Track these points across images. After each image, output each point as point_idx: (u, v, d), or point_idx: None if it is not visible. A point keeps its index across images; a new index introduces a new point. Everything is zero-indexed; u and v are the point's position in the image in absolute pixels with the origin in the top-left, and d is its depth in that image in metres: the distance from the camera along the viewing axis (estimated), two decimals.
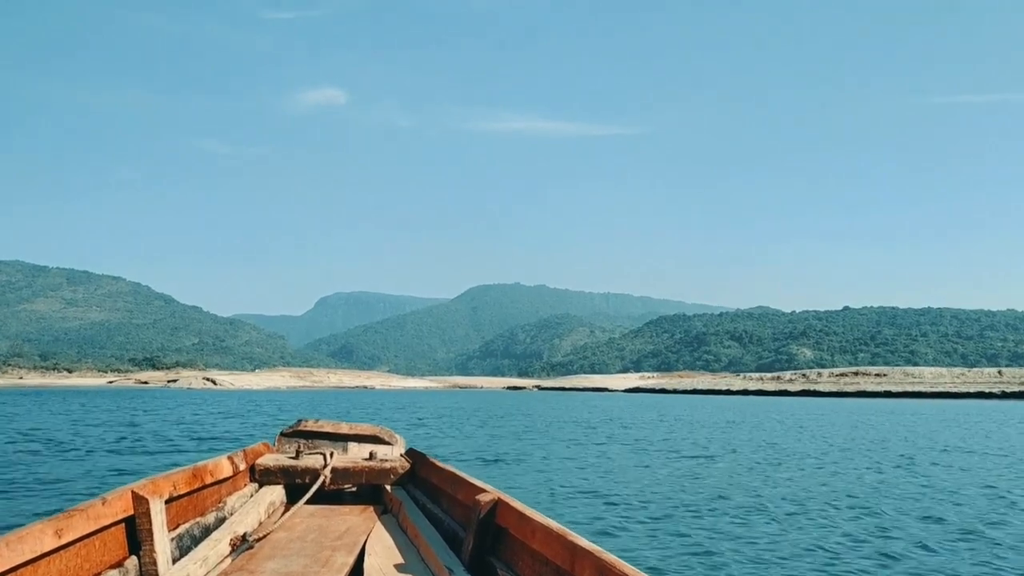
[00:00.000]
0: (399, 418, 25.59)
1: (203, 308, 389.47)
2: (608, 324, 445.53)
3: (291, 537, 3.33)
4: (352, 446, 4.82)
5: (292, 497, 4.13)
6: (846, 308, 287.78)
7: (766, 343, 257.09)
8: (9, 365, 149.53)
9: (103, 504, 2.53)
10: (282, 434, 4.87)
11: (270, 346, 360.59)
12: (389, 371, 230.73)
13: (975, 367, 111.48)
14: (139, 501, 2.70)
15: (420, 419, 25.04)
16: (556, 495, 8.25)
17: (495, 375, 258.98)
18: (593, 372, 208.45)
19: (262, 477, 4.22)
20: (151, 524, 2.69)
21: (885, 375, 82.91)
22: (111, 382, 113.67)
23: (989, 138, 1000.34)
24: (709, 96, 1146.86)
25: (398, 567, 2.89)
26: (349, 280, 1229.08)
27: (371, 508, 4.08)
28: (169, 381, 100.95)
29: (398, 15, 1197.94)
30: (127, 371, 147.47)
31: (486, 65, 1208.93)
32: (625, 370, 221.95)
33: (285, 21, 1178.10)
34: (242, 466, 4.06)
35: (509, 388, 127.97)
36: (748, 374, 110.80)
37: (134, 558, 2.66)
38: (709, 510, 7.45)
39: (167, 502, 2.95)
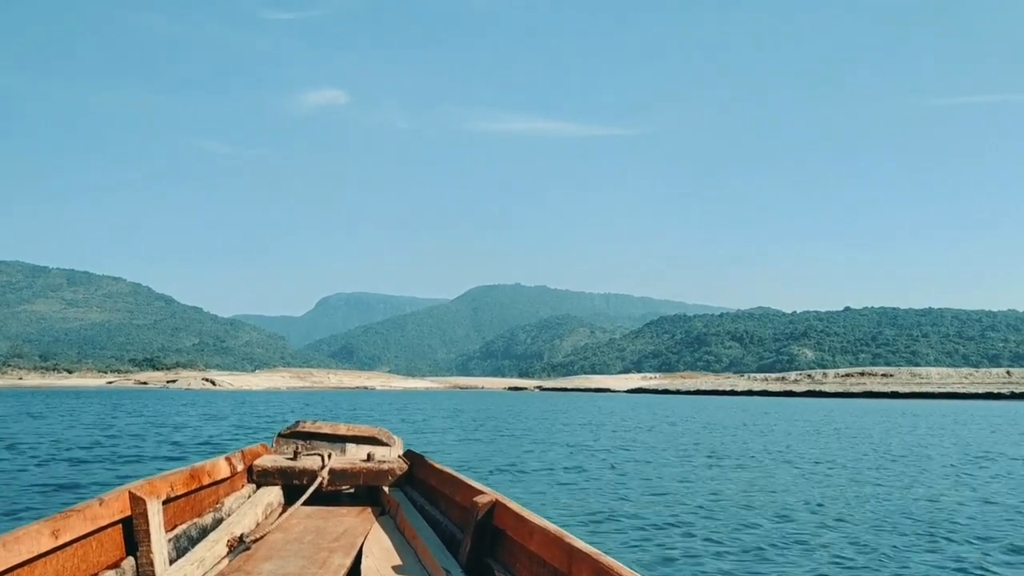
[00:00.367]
0: (399, 420, 24.80)
1: (203, 309, 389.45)
2: (608, 325, 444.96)
3: (288, 538, 3.33)
4: (350, 447, 4.81)
5: (290, 498, 4.14)
6: (847, 308, 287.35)
7: (767, 343, 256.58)
8: (9, 366, 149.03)
9: (100, 505, 2.53)
10: (280, 435, 4.87)
11: (271, 347, 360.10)
12: (390, 371, 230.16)
13: (977, 368, 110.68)
14: (136, 502, 2.69)
15: (422, 420, 24.34)
16: (605, 519, 6.72)
17: (496, 376, 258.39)
18: (594, 373, 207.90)
19: (260, 478, 4.22)
20: (148, 525, 2.69)
21: (892, 375, 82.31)
22: (110, 383, 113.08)
23: (989, 139, 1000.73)
24: (709, 96, 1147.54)
25: (396, 569, 2.88)
26: (350, 280, 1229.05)
27: (369, 509, 4.06)
28: (168, 382, 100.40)
29: (398, 15, 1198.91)
30: (127, 372, 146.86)
31: (486, 65, 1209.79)
32: (626, 371, 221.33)
33: (285, 21, 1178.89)
34: (240, 467, 4.06)
35: (510, 389, 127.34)
36: (752, 375, 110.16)
37: (131, 559, 2.66)
38: (808, 539, 6.14)
39: (164, 503, 2.95)
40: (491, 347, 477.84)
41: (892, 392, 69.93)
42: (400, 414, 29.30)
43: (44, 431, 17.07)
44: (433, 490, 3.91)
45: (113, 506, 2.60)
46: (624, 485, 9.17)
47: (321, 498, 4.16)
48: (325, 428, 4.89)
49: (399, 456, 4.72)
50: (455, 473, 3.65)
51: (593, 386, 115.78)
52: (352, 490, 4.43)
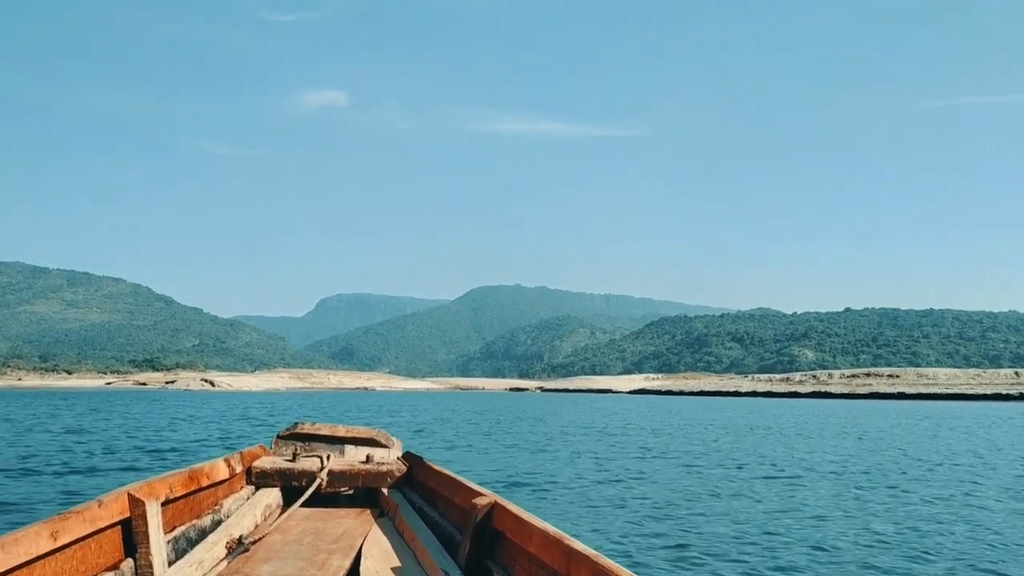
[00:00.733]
0: (400, 422, 24.48)
1: (204, 309, 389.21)
2: (609, 325, 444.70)
3: (287, 540, 3.33)
4: (349, 449, 4.80)
5: (288, 500, 4.13)
6: (847, 309, 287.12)
7: (767, 344, 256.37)
8: (8, 367, 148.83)
9: (99, 506, 2.53)
10: (279, 436, 4.85)
11: (271, 347, 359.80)
12: (390, 372, 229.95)
13: (977, 368, 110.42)
14: (135, 503, 2.70)
15: (425, 423, 23.96)
16: (647, 546, 5.79)
17: (496, 376, 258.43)
18: (594, 373, 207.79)
19: (258, 480, 4.21)
20: (147, 526, 2.69)
21: (898, 376, 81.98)
22: (109, 383, 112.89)
23: (989, 140, 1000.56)
24: (710, 97, 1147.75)
25: (394, 570, 2.88)
26: (350, 281, 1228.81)
27: (368, 511, 4.05)
28: (167, 383, 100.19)
29: (398, 16, 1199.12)
30: (126, 373, 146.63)
31: (486, 66, 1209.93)
32: (626, 371, 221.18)
33: (286, 23, 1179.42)
34: (238, 468, 4.05)
35: (512, 390, 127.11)
36: (756, 375, 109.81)
37: (130, 560, 2.65)
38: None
39: (163, 504, 2.95)
40: (491, 348, 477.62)
41: (899, 393, 69.55)
42: (401, 416, 28.94)
43: (27, 436, 15.98)
44: (432, 492, 3.90)
45: (112, 508, 2.60)
46: (683, 506, 7.75)
47: (320, 500, 4.16)
48: (324, 430, 4.88)
49: (398, 458, 4.70)
50: (454, 475, 3.65)
51: (595, 387, 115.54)
52: (351, 492, 4.42)
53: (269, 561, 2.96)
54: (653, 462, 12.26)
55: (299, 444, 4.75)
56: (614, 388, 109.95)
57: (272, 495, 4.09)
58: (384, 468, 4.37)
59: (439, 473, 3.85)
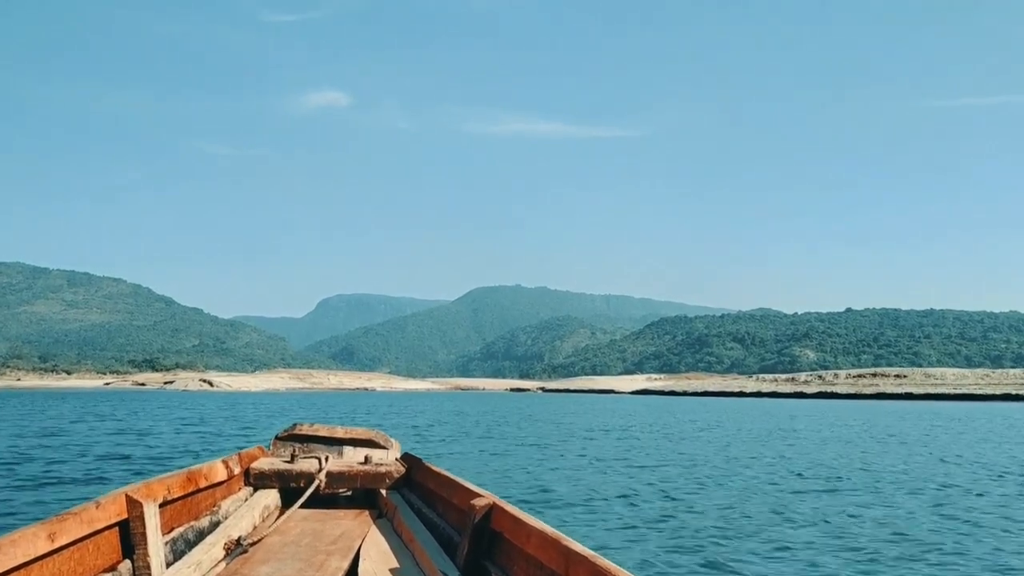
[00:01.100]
0: (401, 425, 24.07)
1: (204, 310, 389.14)
2: (609, 326, 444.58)
3: (285, 541, 3.32)
4: (347, 450, 4.78)
5: (287, 501, 4.13)
6: (848, 310, 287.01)
7: (768, 344, 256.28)
8: (8, 367, 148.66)
9: (97, 508, 2.52)
10: (277, 438, 4.83)
11: (271, 348, 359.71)
12: (390, 373, 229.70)
13: (982, 369, 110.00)
14: (133, 505, 2.69)
15: (426, 426, 23.53)
16: None
17: (496, 377, 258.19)
18: (595, 374, 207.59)
19: (257, 481, 4.20)
20: (145, 528, 2.68)
21: (905, 376, 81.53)
22: (108, 384, 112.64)
23: (990, 140, 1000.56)
24: (710, 98, 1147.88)
25: (393, 572, 2.88)
26: (350, 282, 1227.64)
27: (366, 512, 4.06)
28: (165, 383, 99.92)
29: (398, 17, 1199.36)
30: (126, 373, 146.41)
31: (487, 67, 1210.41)
32: (627, 372, 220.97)
33: (286, 23, 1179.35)
34: (237, 470, 4.04)
35: (513, 390, 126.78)
36: (761, 376, 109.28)
37: (128, 562, 2.65)
38: None
39: (161, 506, 2.94)
40: (492, 348, 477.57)
41: (906, 393, 69.05)
42: (401, 417, 28.62)
43: None
44: (431, 493, 3.89)
45: (110, 509, 2.59)
46: (739, 529, 6.58)
47: (318, 501, 4.15)
48: (322, 431, 4.86)
49: (396, 459, 4.70)
50: (453, 476, 3.65)
51: (597, 387, 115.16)
52: (349, 493, 4.41)
53: (267, 562, 2.96)
54: (687, 473, 10.71)
55: (297, 445, 4.72)
56: (616, 389, 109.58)
57: (270, 496, 4.09)
58: (383, 469, 4.37)
59: (438, 474, 3.84)
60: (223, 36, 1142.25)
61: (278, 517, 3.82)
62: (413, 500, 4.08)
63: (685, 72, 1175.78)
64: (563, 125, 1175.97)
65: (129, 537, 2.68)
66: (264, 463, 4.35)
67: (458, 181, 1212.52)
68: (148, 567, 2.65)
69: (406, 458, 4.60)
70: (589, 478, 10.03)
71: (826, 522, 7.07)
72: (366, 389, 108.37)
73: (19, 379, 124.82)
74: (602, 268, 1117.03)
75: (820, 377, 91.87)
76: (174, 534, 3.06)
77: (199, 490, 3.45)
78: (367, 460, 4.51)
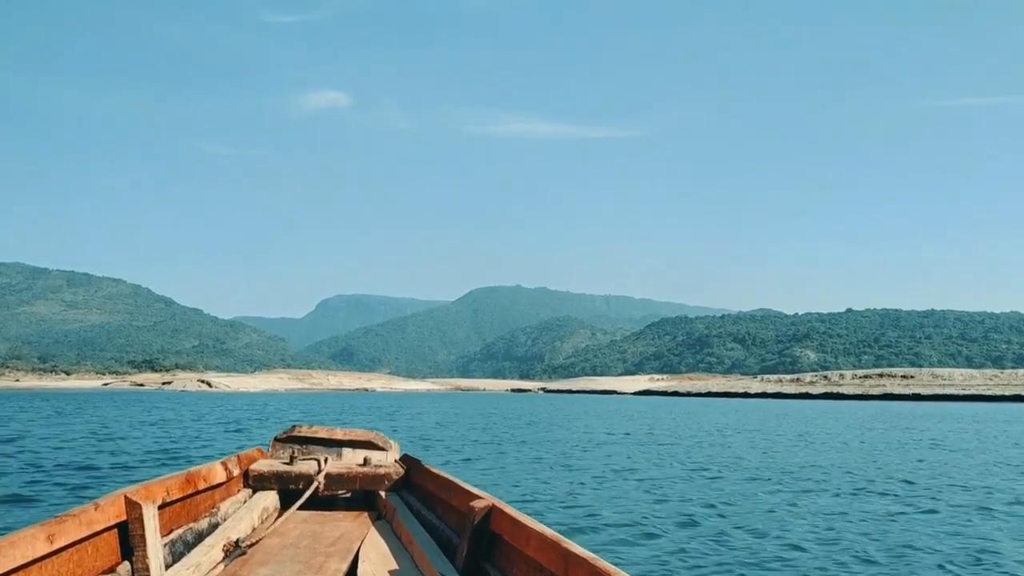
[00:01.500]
0: (399, 429, 23.64)
1: (204, 310, 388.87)
2: (609, 326, 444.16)
3: (284, 543, 3.32)
4: (346, 451, 4.77)
5: (286, 503, 4.13)
6: (849, 310, 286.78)
7: (769, 345, 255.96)
8: (7, 367, 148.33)
9: (96, 509, 2.52)
10: (276, 439, 4.80)
11: (271, 348, 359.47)
12: (390, 373, 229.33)
13: (987, 369, 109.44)
14: (132, 506, 2.69)
15: (425, 437, 23.04)
16: None
17: (496, 377, 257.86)
18: (595, 374, 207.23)
19: (256, 483, 4.19)
20: (144, 530, 2.68)
21: (912, 377, 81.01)
22: (106, 384, 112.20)
23: (990, 140, 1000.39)
24: (710, 98, 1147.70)
25: (392, 573, 2.88)
26: (350, 282, 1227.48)
27: (365, 514, 4.06)
28: (164, 383, 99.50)
29: (399, 18, 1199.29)
30: (125, 373, 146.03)
31: (487, 67, 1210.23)
32: (627, 372, 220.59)
33: (286, 24, 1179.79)
34: (236, 471, 4.03)
35: (514, 391, 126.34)
36: (766, 376, 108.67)
37: (127, 564, 2.65)
38: None
39: (160, 507, 2.94)
40: (492, 349, 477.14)
41: (914, 394, 68.45)
42: (401, 419, 28.18)
43: None
44: (430, 495, 3.88)
45: (109, 511, 2.59)
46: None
47: (317, 503, 4.14)
48: (321, 432, 4.84)
49: (396, 460, 4.67)
50: (452, 478, 3.64)
51: (599, 388, 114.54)
52: (348, 495, 4.39)
53: (266, 564, 2.96)
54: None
55: (296, 447, 4.70)
56: (618, 389, 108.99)
57: (269, 498, 4.08)
58: (382, 471, 4.35)
59: (437, 476, 3.83)
60: (223, 36, 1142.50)
61: (277, 519, 3.81)
62: (412, 502, 4.07)
63: (685, 72, 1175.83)
64: (563, 125, 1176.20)
65: (128, 539, 2.68)
66: (263, 465, 4.33)
67: (458, 181, 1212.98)
68: (147, 569, 2.65)
69: (405, 460, 4.59)
70: (635, 498, 8.36)
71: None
72: (366, 390, 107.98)
73: (17, 380, 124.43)
74: (602, 268, 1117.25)
75: (826, 377, 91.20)
76: (173, 536, 3.06)
77: (198, 492, 3.44)
78: (366, 462, 4.48)
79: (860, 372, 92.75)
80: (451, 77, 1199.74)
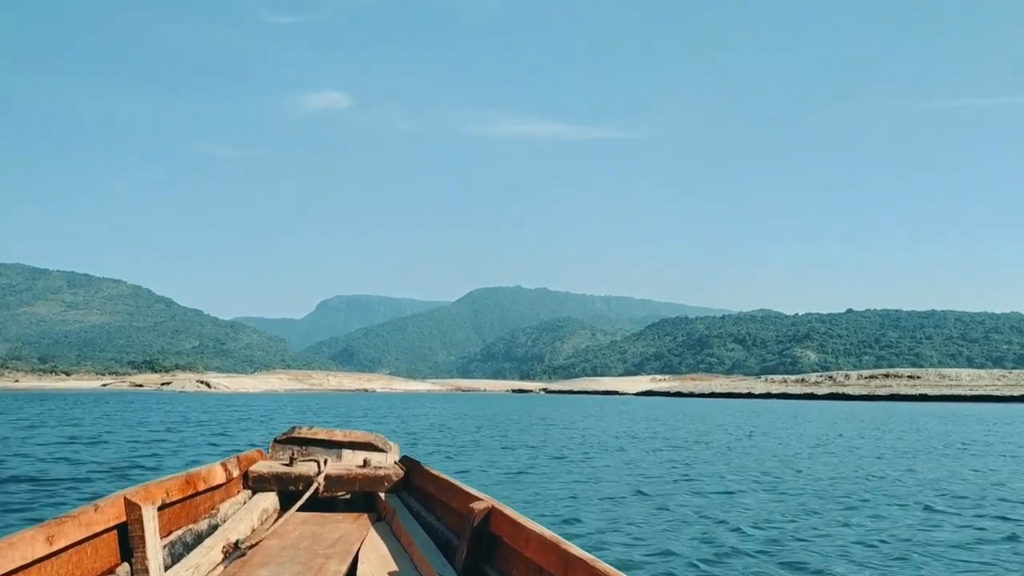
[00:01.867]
0: (399, 433, 23.35)
1: (204, 311, 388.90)
2: (609, 327, 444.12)
3: (284, 544, 3.32)
4: (346, 453, 4.76)
5: (285, 504, 4.12)
6: (849, 311, 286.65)
7: (769, 345, 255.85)
8: (7, 368, 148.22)
9: (95, 510, 2.52)
10: (276, 441, 4.79)
11: (271, 349, 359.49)
12: (390, 374, 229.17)
13: (995, 370, 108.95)
14: (131, 508, 2.68)
15: (437, 432, 22.58)
16: None
17: (496, 378, 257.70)
18: (595, 375, 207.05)
19: (255, 484, 4.18)
20: (143, 531, 2.68)
21: (919, 377, 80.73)
22: (105, 385, 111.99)
23: (991, 141, 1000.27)
24: (710, 98, 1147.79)
25: (391, 575, 2.88)
26: (350, 283, 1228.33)
27: (365, 516, 4.05)
28: (163, 384, 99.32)
29: (399, 19, 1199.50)
30: (125, 374, 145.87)
31: (487, 68, 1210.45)
32: (627, 373, 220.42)
33: (287, 25, 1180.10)
34: (235, 473, 4.02)
35: (514, 391, 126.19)
36: (770, 377, 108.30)
37: (126, 565, 2.65)
38: None
39: (160, 509, 2.94)
40: (492, 349, 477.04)
41: (921, 395, 68.21)
42: (401, 421, 27.92)
43: None
44: (429, 496, 3.87)
45: (108, 512, 2.59)
46: None
47: (317, 504, 4.13)
48: (321, 434, 4.82)
49: (395, 462, 4.65)
50: (451, 479, 3.63)
51: (601, 388, 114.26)
52: (348, 496, 4.38)
53: (266, 566, 2.96)
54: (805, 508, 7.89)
55: (296, 448, 4.69)
56: (620, 390, 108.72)
57: (269, 499, 4.07)
58: (381, 472, 4.34)
59: (437, 477, 3.83)
60: (223, 37, 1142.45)
61: (276, 520, 3.80)
62: (412, 503, 4.06)
63: (685, 72, 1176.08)
64: (563, 126, 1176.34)
65: (127, 540, 2.68)
66: (263, 466, 4.32)
67: (458, 181, 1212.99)
68: (146, 570, 2.65)
69: (405, 461, 4.57)
70: (708, 531, 6.51)
71: None
72: (366, 390, 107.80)
73: (17, 380, 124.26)
74: (602, 269, 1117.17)
75: (831, 378, 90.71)
76: (172, 537, 3.06)
77: (197, 493, 3.43)
78: (366, 463, 4.47)
79: (865, 372, 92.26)
80: (451, 77, 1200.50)
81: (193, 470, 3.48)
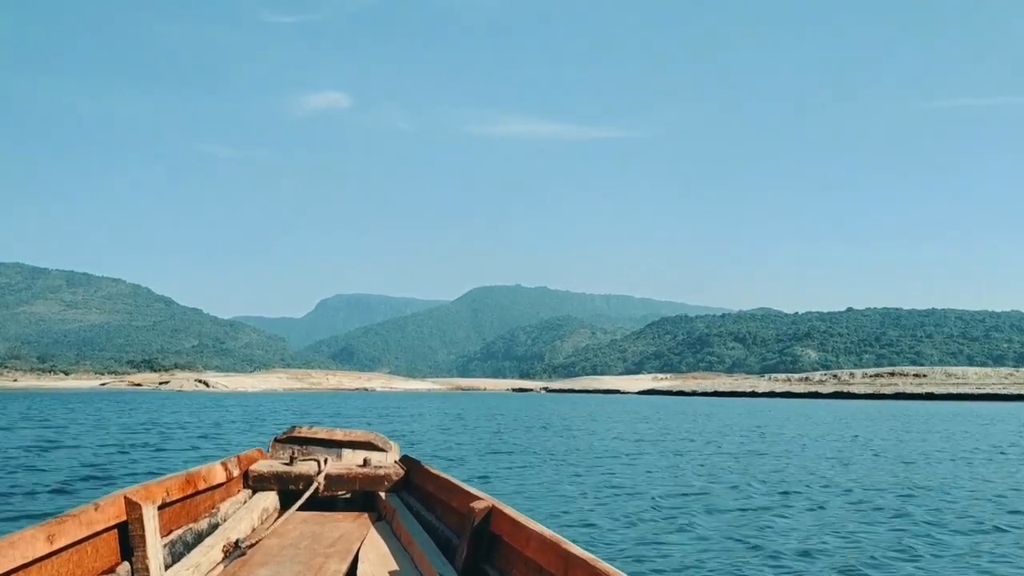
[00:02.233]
0: (401, 434, 22.89)
1: (203, 310, 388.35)
2: (609, 326, 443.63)
3: (284, 544, 3.33)
4: (346, 452, 4.77)
5: (286, 503, 4.12)
6: (849, 309, 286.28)
7: (770, 344, 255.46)
8: (6, 368, 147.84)
9: (96, 510, 2.52)
10: (276, 440, 4.79)
11: (270, 348, 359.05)
12: (390, 373, 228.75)
13: (1001, 368, 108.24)
14: (132, 507, 2.69)
15: (447, 435, 22.04)
16: None
17: (496, 377, 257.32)
18: (595, 374, 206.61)
19: (256, 483, 4.18)
20: (144, 530, 2.68)
21: (925, 376, 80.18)
22: (104, 384, 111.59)
23: (991, 140, 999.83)
24: (710, 98, 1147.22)
25: (392, 574, 2.88)
26: (349, 282, 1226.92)
27: (365, 515, 4.06)
28: (160, 383, 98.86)
29: (399, 19, 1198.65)
30: (124, 373, 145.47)
31: (487, 67, 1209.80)
32: (627, 372, 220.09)
33: (287, 24, 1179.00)
34: (236, 472, 4.03)
35: (515, 390, 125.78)
36: (774, 375, 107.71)
37: (126, 564, 2.65)
38: None
39: (160, 508, 2.94)
40: (491, 348, 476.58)
41: (927, 394, 67.61)
42: (402, 422, 27.50)
43: None
44: (430, 496, 3.88)
45: (108, 511, 2.59)
46: None
47: (317, 503, 4.14)
48: (321, 433, 4.83)
49: (395, 461, 4.65)
50: (452, 479, 3.64)
51: (602, 387, 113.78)
52: (348, 495, 4.38)
53: (266, 565, 2.97)
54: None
55: (296, 448, 4.69)
56: (622, 389, 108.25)
57: (269, 499, 4.08)
58: (381, 472, 4.34)
59: (437, 477, 3.83)
60: (223, 37, 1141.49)
61: (277, 519, 3.81)
62: (412, 503, 4.06)
63: (685, 72, 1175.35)
64: (563, 126, 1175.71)
65: (128, 539, 2.68)
66: (263, 465, 4.32)
67: (458, 181, 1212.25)
68: (147, 569, 2.65)
69: (405, 460, 4.57)
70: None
71: None
72: (365, 389, 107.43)
73: (15, 380, 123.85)
74: (602, 268, 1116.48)
75: (835, 376, 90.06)
76: (173, 536, 3.06)
77: (198, 492, 3.43)
78: (366, 463, 4.47)
79: (871, 371, 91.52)
80: (451, 77, 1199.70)
81: (193, 469, 3.49)
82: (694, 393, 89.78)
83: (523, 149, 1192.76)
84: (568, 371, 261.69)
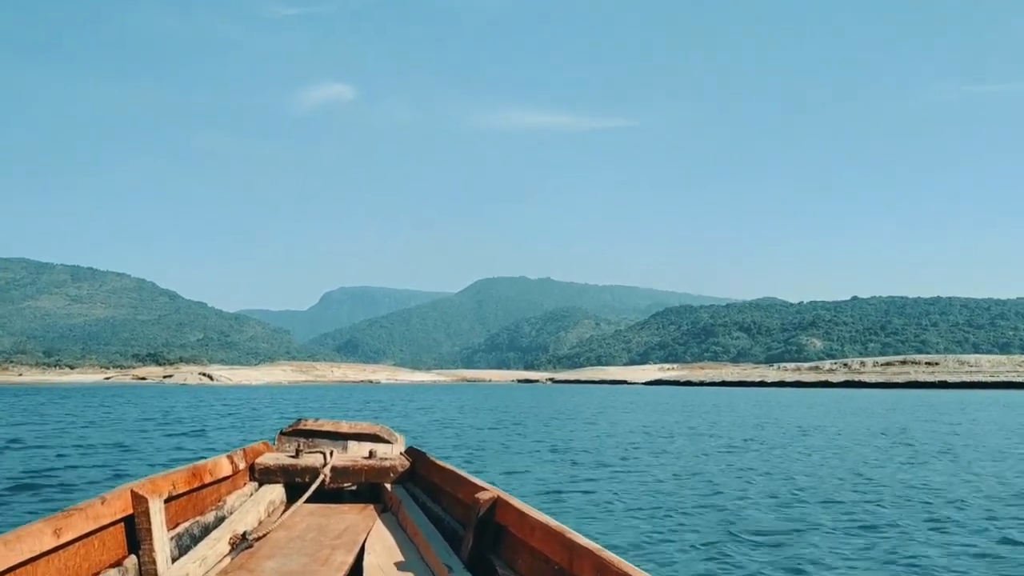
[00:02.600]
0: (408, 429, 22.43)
1: (208, 304, 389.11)
2: (614, 316, 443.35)
3: (291, 536, 3.35)
4: (352, 444, 4.78)
5: (292, 496, 4.13)
6: (854, 298, 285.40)
7: (775, 334, 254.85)
8: (11, 362, 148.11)
9: (102, 503, 2.53)
10: (282, 433, 4.82)
11: (275, 341, 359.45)
12: (395, 365, 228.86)
13: (1016, 355, 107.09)
14: (138, 500, 2.70)
15: (459, 432, 21.11)
16: None
17: (501, 368, 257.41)
18: (600, 364, 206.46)
19: (262, 476, 4.22)
20: (150, 523, 2.69)
21: (937, 364, 79.20)
22: (108, 378, 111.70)
23: (994, 129, 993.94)
24: (715, 87, 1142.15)
25: (398, 565, 2.91)
26: (354, 275, 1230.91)
27: (371, 507, 4.09)
28: (165, 377, 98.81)
29: (404, 11, 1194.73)
30: (129, 367, 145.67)
31: (492, 60, 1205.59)
32: (632, 362, 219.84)
33: (291, 17, 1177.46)
34: (242, 465, 4.06)
35: (520, 381, 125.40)
36: (783, 365, 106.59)
37: (133, 557, 2.66)
38: None
39: (166, 501, 2.95)
40: (496, 340, 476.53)
41: (940, 382, 66.88)
42: (407, 417, 27.10)
43: None
44: (435, 487, 3.90)
45: (115, 505, 2.60)
46: None
47: (323, 496, 4.17)
48: (327, 425, 4.85)
49: (401, 453, 4.66)
50: (457, 470, 3.65)
51: (609, 378, 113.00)
52: (354, 487, 4.41)
53: (273, 557, 2.99)
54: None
55: (302, 440, 4.72)
56: (628, 379, 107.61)
57: (275, 491, 4.10)
58: (387, 464, 4.37)
59: (442, 468, 3.85)
60: (229, 31, 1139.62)
61: (283, 512, 3.81)
62: (418, 494, 4.08)
63: (690, 63, 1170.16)
64: (567, 117, 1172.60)
65: (135, 532, 2.69)
66: (269, 458, 4.34)
67: (462, 173, 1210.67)
68: (154, 562, 2.66)
69: (410, 452, 4.59)
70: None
71: None
72: (370, 382, 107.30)
73: (20, 374, 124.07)
74: (606, 259, 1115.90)
75: (845, 365, 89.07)
76: (179, 529, 3.08)
77: (204, 485, 3.44)
78: (372, 455, 4.49)
79: (881, 360, 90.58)
80: (455, 69, 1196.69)
81: (199, 462, 3.51)
82: (702, 383, 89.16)
83: (527, 140, 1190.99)
84: (573, 362, 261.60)
